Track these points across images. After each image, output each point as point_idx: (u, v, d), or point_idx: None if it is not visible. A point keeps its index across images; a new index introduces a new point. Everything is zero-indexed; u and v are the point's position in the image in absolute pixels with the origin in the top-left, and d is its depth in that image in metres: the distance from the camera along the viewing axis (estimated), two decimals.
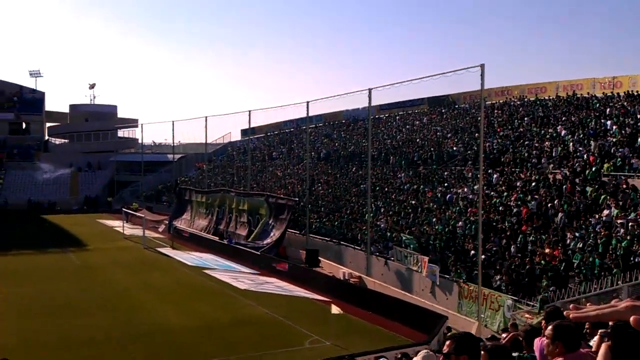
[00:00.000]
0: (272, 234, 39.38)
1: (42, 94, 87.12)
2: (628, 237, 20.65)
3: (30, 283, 31.51)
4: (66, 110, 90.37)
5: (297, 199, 41.49)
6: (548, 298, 19.68)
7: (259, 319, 25.04)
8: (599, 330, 6.12)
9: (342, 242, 35.37)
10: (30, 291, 29.52)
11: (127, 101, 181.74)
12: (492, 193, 30.56)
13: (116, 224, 56.15)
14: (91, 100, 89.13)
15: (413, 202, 35.19)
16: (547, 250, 22.48)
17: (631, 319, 1.34)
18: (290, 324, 24.17)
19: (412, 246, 29.23)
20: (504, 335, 8.93)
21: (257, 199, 42.81)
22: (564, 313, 1.57)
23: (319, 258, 35.00)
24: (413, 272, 28.15)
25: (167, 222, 52.85)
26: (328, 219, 39.40)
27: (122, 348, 20.93)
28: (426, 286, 26.80)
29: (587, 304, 1.47)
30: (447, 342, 4.08)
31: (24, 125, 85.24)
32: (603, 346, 1.46)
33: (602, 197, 24.59)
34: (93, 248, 44.30)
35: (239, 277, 33.37)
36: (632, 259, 19.83)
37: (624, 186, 24.54)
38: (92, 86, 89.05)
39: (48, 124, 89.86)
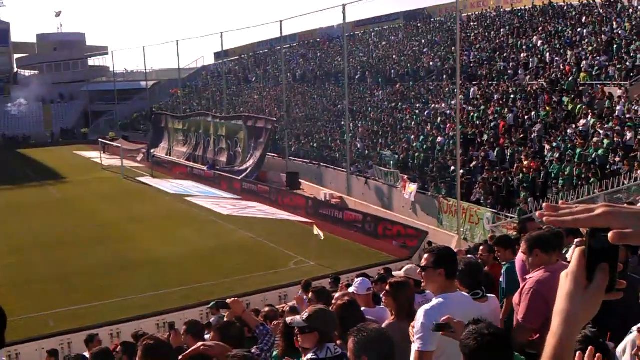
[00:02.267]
0: (251, 158, 39.23)
1: (7, 25, 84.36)
2: (604, 146, 20.82)
3: (12, 218, 31.39)
4: (33, 40, 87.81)
5: (275, 119, 41.06)
6: (526, 210, 20.00)
7: (243, 243, 25.30)
8: (575, 240, 6.21)
9: (322, 164, 35.40)
10: (14, 226, 29.43)
11: (96, 28, 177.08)
12: (469, 107, 30.51)
13: (93, 155, 55.68)
14: (58, 28, 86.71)
15: (391, 120, 35.09)
16: (524, 162, 22.67)
17: (610, 234, 1.31)
18: (274, 246, 24.45)
19: (391, 163, 29.36)
20: (481, 247, 9.07)
21: (234, 123, 42.37)
22: (537, 214, 1.52)
23: (300, 180, 35.11)
24: (393, 190, 28.38)
25: (144, 151, 52.43)
26: (307, 140, 39.27)
27: (112, 277, 21.10)
28: (407, 203, 27.08)
29: (561, 203, 1.41)
30: (425, 256, 4.15)
31: None
32: (577, 250, 1.42)
33: (579, 106, 24.64)
34: (72, 180, 44.00)
35: (220, 202, 33.45)
36: (608, 167, 20.05)
37: (600, 95, 24.56)
38: (58, 14, 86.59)
39: (16, 56, 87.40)
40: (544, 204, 1.44)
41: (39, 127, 74.75)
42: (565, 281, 1.43)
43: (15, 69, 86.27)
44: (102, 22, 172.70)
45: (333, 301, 5.18)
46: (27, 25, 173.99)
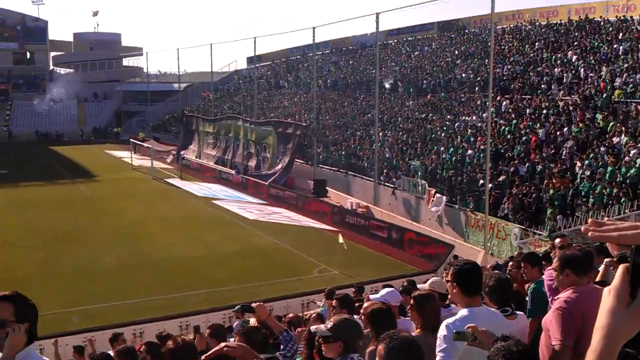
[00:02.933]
0: (280, 163, 39.32)
1: (46, 23, 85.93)
2: (637, 165, 20.48)
3: (41, 214, 31.84)
4: (70, 39, 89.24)
5: (304, 124, 41.07)
6: (555, 227, 19.74)
7: (267, 249, 25.36)
8: (605, 260, 6.12)
9: (349, 172, 35.36)
10: (42, 222, 29.88)
11: (132, 29, 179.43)
12: (501, 121, 30.26)
13: (124, 154, 56.31)
14: (95, 28, 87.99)
15: (421, 131, 34.94)
16: (554, 179, 22.39)
17: None
18: (299, 253, 24.47)
19: (419, 173, 29.22)
20: (510, 263, 8.98)
21: (264, 128, 42.48)
22: (582, 229, 1.50)
23: (327, 188, 35.10)
24: (420, 201, 28.23)
25: (174, 152, 52.92)
26: (335, 148, 39.27)
27: (137, 277, 21.32)
28: (433, 215, 26.91)
29: (606, 219, 1.39)
30: (450, 270, 4.18)
31: (28, 55, 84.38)
32: (620, 267, 1.40)
33: (612, 124, 24.29)
34: (102, 179, 44.59)
35: (247, 207, 33.61)
36: None
37: (634, 113, 24.17)
38: (95, 13, 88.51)
39: (52, 54, 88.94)
40: (589, 220, 1.43)
41: (72, 125, 75.87)
42: (607, 297, 1.41)
43: (51, 67, 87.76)
44: (137, 23, 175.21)
45: (365, 306, 5.10)
46: (65, 23, 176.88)
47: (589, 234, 1.41)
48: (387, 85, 40.53)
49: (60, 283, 20.60)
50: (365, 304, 5.20)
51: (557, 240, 8.33)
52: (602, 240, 1.40)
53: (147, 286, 20.32)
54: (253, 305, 5.02)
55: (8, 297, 2.96)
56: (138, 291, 19.78)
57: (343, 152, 37.83)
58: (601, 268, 5.88)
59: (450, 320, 3.95)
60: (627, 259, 1.40)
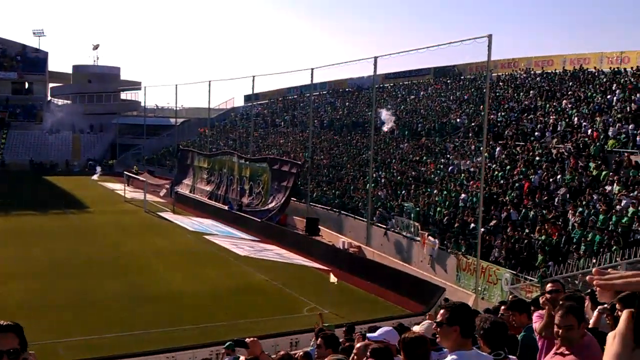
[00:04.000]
0: (274, 202, 39.36)
1: (46, 54, 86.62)
2: (629, 215, 20.61)
3: (32, 244, 31.63)
4: (69, 70, 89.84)
5: (300, 162, 41.23)
6: (547, 273, 19.75)
7: (258, 286, 25.21)
8: (598, 307, 6.14)
9: (342, 212, 35.40)
10: (33, 252, 29.66)
11: (131, 63, 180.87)
12: (494, 166, 30.48)
13: (117, 187, 56.31)
14: (94, 61, 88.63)
15: (414, 173, 35.12)
16: (547, 225, 22.48)
17: None
18: (289, 291, 24.33)
19: (412, 214, 29.28)
20: (502, 307, 8.97)
21: (259, 165, 42.61)
22: (587, 279, 1.54)
23: (319, 227, 35.08)
24: (412, 243, 28.24)
25: (168, 186, 52.94)
26: (329, 187, 39.37)
27: (129, 310, 21.14)
28: (425, 257, 26.90)
29: (610, 270, 1.43)
30: (441, 312, 4.12)
31: (26, 85, 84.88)
32: (625, 312, 1.42)
33: (604, 173, 24.51)
34: (94, 210, 44.43)
35: (239, 243, 33.51)
36: (631, 236, 19.82)
37: (627, 163, 24.41)
38: (95, 47, 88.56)
39: (51, 85, 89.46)
40: (593, 269, 1.46)
41: (67, 155, 75.91)
42: (612, 342, 1.43)
43: (49, 97, 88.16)
44: (137, 57, 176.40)
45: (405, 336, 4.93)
46: (65, 55, 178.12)
47: (594, 282, 1.44)
48: (385, 129, 40.81)
49: (51, 314, 20.37)
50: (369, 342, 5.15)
51: (549, 285, 8.36)
52: (607, 288, 1.41)
53: (139, 320, 20.12)
54: (247, 340, 5.02)
55: (12, 327, 2.89)
56: (128, 324, 19.59)
57: (336, 192, 37.93)
58: (594, 315, 5.91)
59: None
60: (628, 302, 1.43)
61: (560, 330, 4.36)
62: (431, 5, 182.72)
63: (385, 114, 40.68)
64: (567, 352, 4.31)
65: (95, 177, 62.05)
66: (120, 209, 45.66)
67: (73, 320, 19.90)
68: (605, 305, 5.70)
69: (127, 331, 18.90)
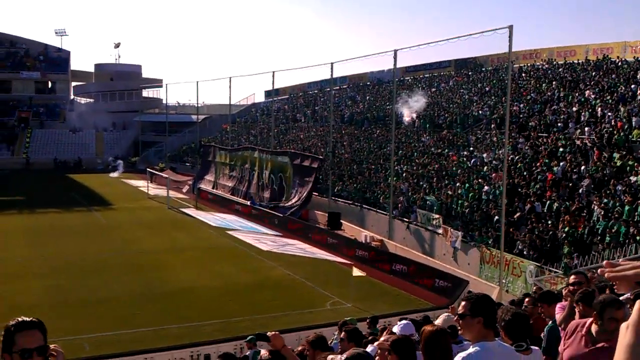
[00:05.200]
0: (296, 196, 39.42)
1: (68, 53, 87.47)
2: None
3: (57, 241, 32.05)
4: (91, 69, 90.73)
5: (321, 157, 41.19)
6: (571, 264, 19.58)
7: (281, 281, 25.28)
8: (622, 297, 6.06)
9: (364, 206, 35.35)
10: (57, 249, 30.04)
11: (152, 61, 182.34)
12: (517, 158, 30.22)
13: (140, 183, 56.72)
14: (116, 59, 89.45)
15: (436, 166, 34.95)
16: (570, 217, 22.25)
17: None
18: (312, 285, 24.37)
19: (435, 207, 29.16)
20: (526, 299, 8.90)
21: (281, 159, 42.64)
22: (599, 271, 1.51)
23: (341, 221, 35.07)
24: (435, 236, 28.12)
25: (190, 182, 53.25)
26: (351, 181, 39.33)
27: (150, 306, 21.31)
28: (448, 250, 26.78)
29: (621, 260, 1.41)
30: (463, 303, 4.06)
31: (49, 85, 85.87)
32: (637, 304, 1.40)
33: (629, 163, 24.19)
34: (118, 207, 44.86)
35: (261, 238, 33.60)
36: None
37: None
38: (117, 45, 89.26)
39: (73, 83, 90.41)
40: (604, 262, 1.44)
41: (91, 153, 76.69)
42: (625, 333, 1.41)
43: (72, 96, 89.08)
44: (158, 55, 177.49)
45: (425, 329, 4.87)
46: (87, 54, 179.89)
47: (605, 274, 1.42)
48: (406, 119, 40.58)
49: (73, 310, 20.60)
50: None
51: (572, 277, 8.28)
52: (619, 280, 1.41)
53: (161, 315, 20.28)
54: (269, 334, 5.03)
55: (37, 324, 2.87)
56: (151, 320, 19.75)
57: (358, 185, 37.88)
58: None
59: (463, 354, 3.90)
60: None
61: (618, 324, 4.15)
62: None
63: (408, 107, 40.45)
64: (607, 346, 4.18)
65: (115, 174, 62.48)
66: (144, 205, 46.03)
67: (94, 316, 20.09)
68: (629, 295, 5.63)
69: (149, 327, 19.05)
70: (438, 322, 7.10)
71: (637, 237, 19.22)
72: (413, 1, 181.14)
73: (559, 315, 5.86)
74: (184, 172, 60.56)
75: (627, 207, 21.08)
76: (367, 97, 59.44)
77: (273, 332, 5.11)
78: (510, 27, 23.18)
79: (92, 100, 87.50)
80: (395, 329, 6.19)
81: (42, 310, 19.61)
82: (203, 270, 26.51)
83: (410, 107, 40.71)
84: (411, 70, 60.15)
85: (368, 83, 65.28)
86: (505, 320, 4.61)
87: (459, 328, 4.17)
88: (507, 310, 4.79)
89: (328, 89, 52.78)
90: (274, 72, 50.26)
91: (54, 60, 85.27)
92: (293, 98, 73.31)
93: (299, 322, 19.18)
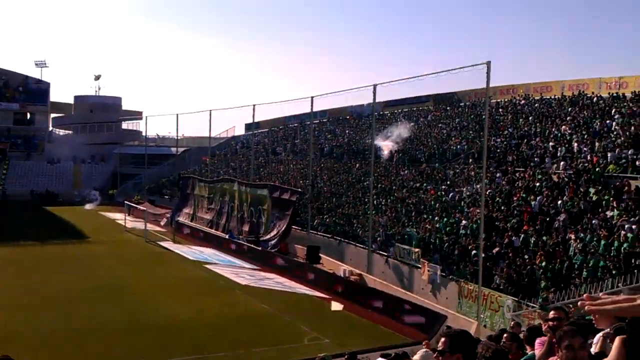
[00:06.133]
0: (274, 230, 39.23)
1: (48, 85, 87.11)
2: (629, 240, 20.51)
3: (33, 274, 31.53)
4: (71, 101, 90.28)
5: (300, 190, 41.14)
6: (549, 299, 19.63)
7: (259, 315, 25.02)
8: (602, 332, 6.06)
9: (343, 239, 35.29)
10: (32, 282, 29.55)
11: (132, 93, 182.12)
12: (494, 192, 30.44)
13: (118, 216, 56.23)
14: (96, 91, 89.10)
15: (415, 200, 35.07)
16: (548, 252, 22.37)
17: None
18: (290, 320, 24.15)
19: (414, 241, 29.18)
20: (504, 335, 8.87)
21: (260, 192, 42.46)
22: (578, 304, 1.50)
23: (320, 255, 34.93)
24: (414, 271, 28.09)
25: (168, 215, 52.89)
26: (330, 215, 39.30)
27: (128, 340, 20.96)
28: (426, 285, 26.75)
29: (601, 294, 1.40)
30: (442, 340, 4.03)
31: (28, 116, 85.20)
32: (617, 340, 1.39)
33: (605, 198, 24.45)
34: (95, 240, 44.32)
35: (239, 272, 33.35)
36: (633, 261, 19.71)
37: (627, 188, 24.36)
38: (97, 77, 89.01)
39: (53, 115, 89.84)
40: (584, 295, 1.44)
41: (68, 186, 75.95)
42: None
43: (51, 128, 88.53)
44: (138, 87, 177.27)
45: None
46: (67, 86, 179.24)
47: (586, 307, 1.41)
48: (385, 154, 40.81)
49: (49, 345, 20.20)
50: None
51: (552, 312, 8.28)
52: (599, 313, 1.40)
53: (139, 350, 19.94)
54: None
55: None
56: (127, 354, 19.43)
57: (337, 219, 37.84)
58: (599, 340, 5.83)
59: None
60: (624, 331, 1.40)
61: (576, 351, 4.17)
62: (430, 33, 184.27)
63: (386, 141, 40.70)
64: None
65: (89, 206, 61.87)
66: (121, 238, 45.55)
67: (72, 351, 19.74)
68: (609, 330, 5.64)
69: None
70: (416, 358, 7.06)
71: (614, 272, 19.34)
72: (393, 38, 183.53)
73: (538, 350, 5.85)
74: (163, 205, 60.15)
75: (602, 242, 21.25)
76: (347, 131, 59.74)
77: None
78: (488, 63, 23.56)
79: (71, 132, 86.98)
80: None
81: (19, 342, 19.31)
82: (182, 305, 26.17)
83: (389, 141, 40.97)
84: (391, 105, 60.59)
85: (348, 117, 65.69)
86: (485, 357, 4.58)
87: None
88: (487, 347, 4.76)
89: (308, 123, 52.99)
90: (254, 105, 50.49)
91: (34, 91, 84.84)
92: (273, 131, 73.51)
93: (277, 358, 19.00)
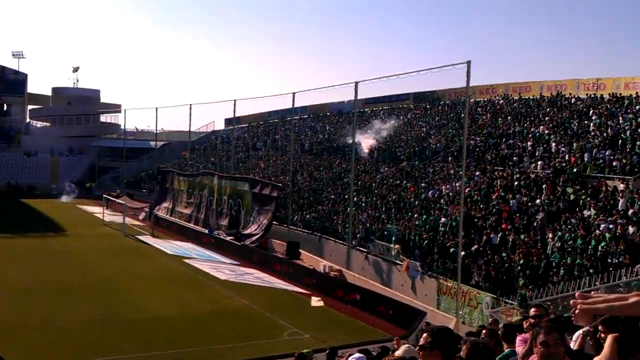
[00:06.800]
0: (255, 225, 39.14)
1: (25, 76, 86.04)
2: (606, 239, 20.84)
3: (10, 266, 31.23)
4: (49, 93, 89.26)
5: (280, 185, 41.06)
6: (526, 297, 19.87)
7: (238, 310, 25.03)
8: (582, 329, 6.17)
9: (323, 235, 35.37)
10: (10, 274, 29.28)
11: (111, 86, 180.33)
12: (473, 190, 30.71)
13: (96, 210, 55.80)
14: (74, 83, 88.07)
15: (395, 197, 35.25)
16: (526, 249, 22.65)
17: None
18: (269, 315, 24.18)
19: (393, 238, 29.34)
20: (483, 331, 8.97)
21: (240, 186, 42.22)
22: (571, 302, 1.54)
23: (300, 250, 34.98)
24: (393, 267, 28.26)
25: (147, 209, 52.57)
26: (310, 211, 39.35)
27: (105, 334, 20.86)
28: (406, 281, 26.92)
29: (593, 293, 1.44)
30: (424, 335, 4.09)
31: (5, 107, 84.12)
32: (609, 337, 1.43)
33: (582, 197, 24.80)
34: (72, 233, 43.96)
35: (219, 267, 33.29)
36: (610, 260, 20.03)
37: (604, 188, 24.74)
38: (75, 69, 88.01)
39: (30, 107, 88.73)
40: (576, 293, 1.47)
41: (45, 178, 75.14)
42: None
43: (28, 120, 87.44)
44: (117, 80, 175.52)
45: None
46: (44, 77, 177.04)
47: (577, 305, 1.44)
48: (365, 151, 40.95)
49: (23, 337, 20.03)
50: None
51: (532, 310, 8.39)
52: (590, 312, 1.42)
53: (114, 344, 19.85)
54: None
55: None
56: (103, 348, 19.31)
57: (317, 215, 37.90)
58: (579, 337, 5.92)
59: None
60: (611, 325, 1.45)
61: (550, 348, 4.25)
62: (412, 32, 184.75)
63: (366, 138, 40.86)
64: None
65: (64, 198, 61.45)
66: (99, 232, 45.22)
67: (46, 343, 19.63)
68: (589, 328, 5.74)
69: (102, 356, 18.63)
70: (399, 352, 7.13)
71: (591, 270, 19.64)
72: (374, 36, 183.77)
73: (519, 347, 5.93)
74: (141, 199, 59.74)
75: (579, 241, 21.57)
76: (327, 128, 59.82)
77: None
78: (468, 63, 23.72)
79: (48, 124, 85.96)
80: None
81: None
82: (160, 299, 26.09)
83: (370, 139, 41.13)
84: (371, 102, 60.78)
85: (328, 113, 65.75)
86: (467, 353, 4.65)
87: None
88: (466, 342, 4.83)
89: (289, 118, 52.94)
90: (235, 100, 50.34)
91: (11, 82, 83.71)
92: (254, 127, 73.33)
93: (256, 353, 19.03)
